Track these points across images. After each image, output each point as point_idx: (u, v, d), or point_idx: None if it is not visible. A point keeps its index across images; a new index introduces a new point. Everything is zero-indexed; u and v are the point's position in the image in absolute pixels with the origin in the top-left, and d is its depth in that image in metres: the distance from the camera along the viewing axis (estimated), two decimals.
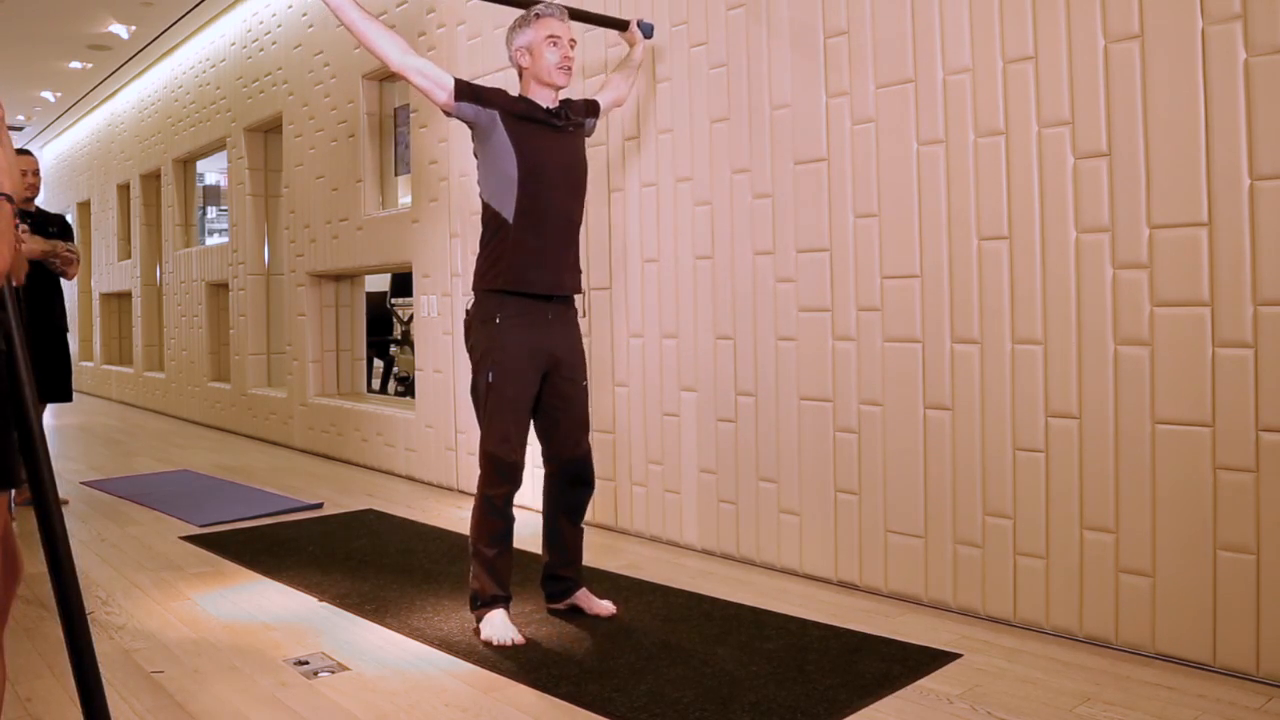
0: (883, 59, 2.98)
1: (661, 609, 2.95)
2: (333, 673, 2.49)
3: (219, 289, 7.86)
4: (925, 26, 2.87)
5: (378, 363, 7.88)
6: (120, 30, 7.58)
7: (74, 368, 4.82)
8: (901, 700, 2.26)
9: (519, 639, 2.62)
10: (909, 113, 2.92)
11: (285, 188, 6.62)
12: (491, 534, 2.73)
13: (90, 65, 8.68)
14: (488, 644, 2.62)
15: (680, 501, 3.67)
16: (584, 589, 2.93)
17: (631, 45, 3.43)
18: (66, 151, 11.78)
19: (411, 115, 5.25)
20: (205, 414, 7.89)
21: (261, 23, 6.84)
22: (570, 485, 2.89)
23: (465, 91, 2.72)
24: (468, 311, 2.82)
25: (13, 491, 1.59)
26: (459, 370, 4.80)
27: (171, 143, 8.50)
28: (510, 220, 2.73)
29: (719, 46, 3.47)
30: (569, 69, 2.79)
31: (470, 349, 2.80)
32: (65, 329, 4.67)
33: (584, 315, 4.00)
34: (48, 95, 9.83)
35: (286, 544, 3.84)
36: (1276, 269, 2.25)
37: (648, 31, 3.47)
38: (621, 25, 3.48)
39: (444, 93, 2.71)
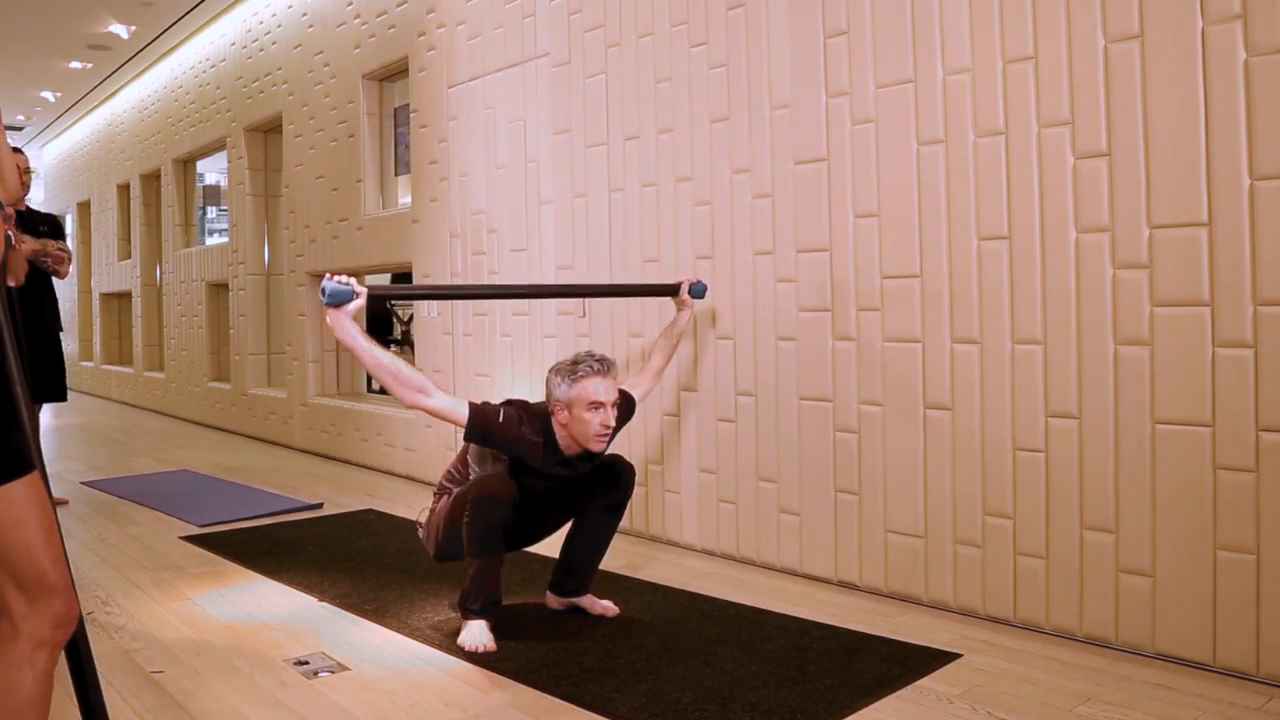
0: (883, 59, 2.98)
1: (661, 609, 2.95)
2: (333, 673, 2.48)
3: (219, 289, 7.86)
4: (925, 26, 2.87)
5: None
6: (120, 30, 7.57)
7: (72, 368, 4.81)
8: (901, 700, 2.26)
9: (491, 646, 2.62)
10: (909, 113, 2.92)
11: (285, 188, 6.62)
12: (487, 538, 2.70)
13: (90, 65, 8.68)
14: (460, 647, 2.62)
15: (680, 501, 3.67)
16: (590, 594, 2.93)
17: (680, 309, 3.28)
18: (66, 151, 11.78)
19: (411, 115, 5.24)
20: (205, 414, 7.89)
21: (261, 23, 6.84)
22: (616, 484, 2.86)
23: (476, 433, 2.65)
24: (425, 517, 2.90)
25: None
26: (459, 370, 4.81)
27: (171, 143, 8.50)
28: None
29: (719, 46, 3.47)
30: (607, 437, 2.71)
31: (442, 513, 2.83)
32: (59, 328, 4.67)
33: (584, 315, 4.00)
34: (48, 95, 9.83)
35: (286, 544, 3.84)
36: (1276, 269, 2.25)
37: (699, 294, 3.31)
38: (672, 291, 3.31)
39: (460, 427, 2.66)
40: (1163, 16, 2.39)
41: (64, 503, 4.71)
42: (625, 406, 2.91)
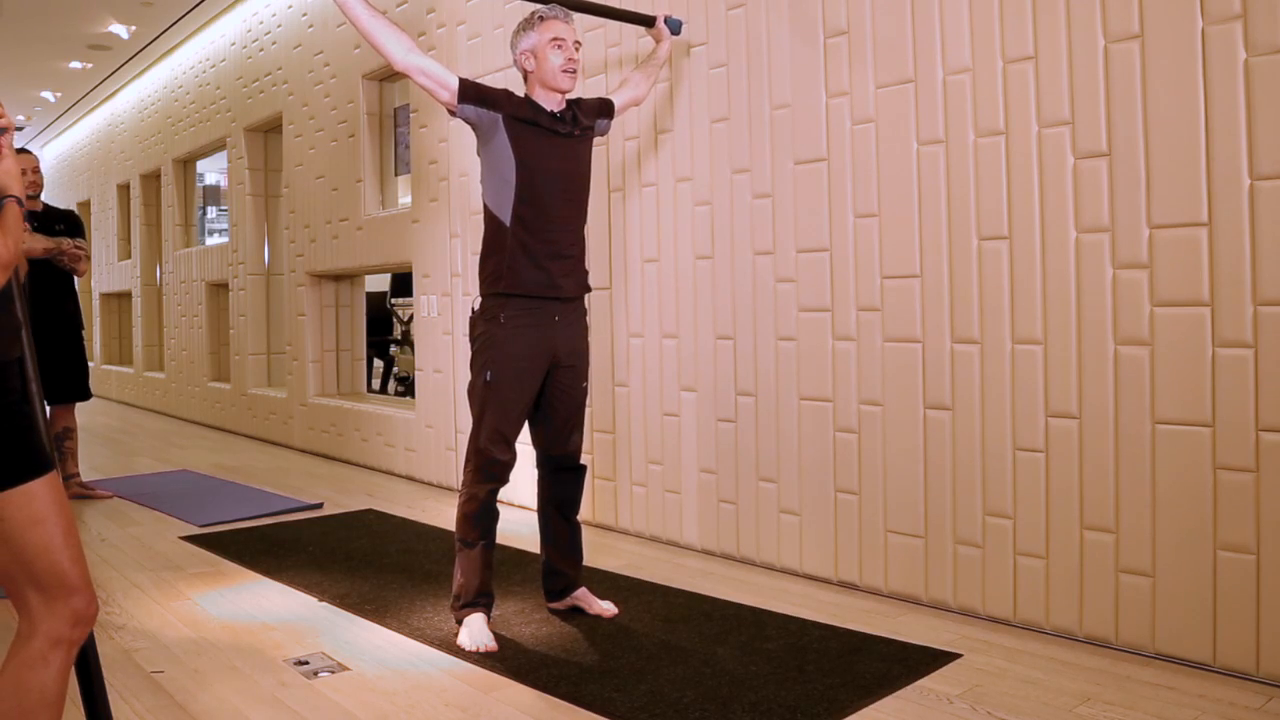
0: (883, 59, 2.98)
1: (661, 609, 2.95)
2: (333, 673, 2.49)
3: (219, 289, 7.86)
4: (925, 26, 2.87)
5: (378, 363, 7.88)
6: (120, 30, 7.57)
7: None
8: (901, 700, 2.26)
9: (492, 645, 2.62)
10: (909, 113, 2.92)
11: (285, 188, 6.62)
12: (477, 531, 2.73)
13: (90, 65, 8.68)
14: (460, 647, 2.62)
15: (680, 501, 3.67)
16: (584, 588, 2.94)
17: (658, 42, 3.37)
18: (66, 151, 11.77)
19: (411, 115, 5.25)
20: (205, 414, 7.89)
21: (261, 23, 6.84)
22: (558, 478, 2.90)
23: (469, 93, 2.70)
24: (473, 310, 2.82)
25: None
26: (459, 370, 4.80)
27: (171, 143, 8.50)
28: (508, 225, 2.74)
29: (719, 46, 3.47)
30: (574, 72, 2.77)
31: (473, 345, 2.81)
32: (80, 326, 4.67)
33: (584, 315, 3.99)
34: (48, 95, 9.83)
35: (286, 544, 3.84)
36: (1276, 269, 2.25)
37: (675, 28, 3.39)
38: (648, 22, 3.41)
39: (447, 93, 2.69)
40: (1163, 16, 2.39)
41: (109, 497, 4.79)
42: (604, 105, 3.01)
